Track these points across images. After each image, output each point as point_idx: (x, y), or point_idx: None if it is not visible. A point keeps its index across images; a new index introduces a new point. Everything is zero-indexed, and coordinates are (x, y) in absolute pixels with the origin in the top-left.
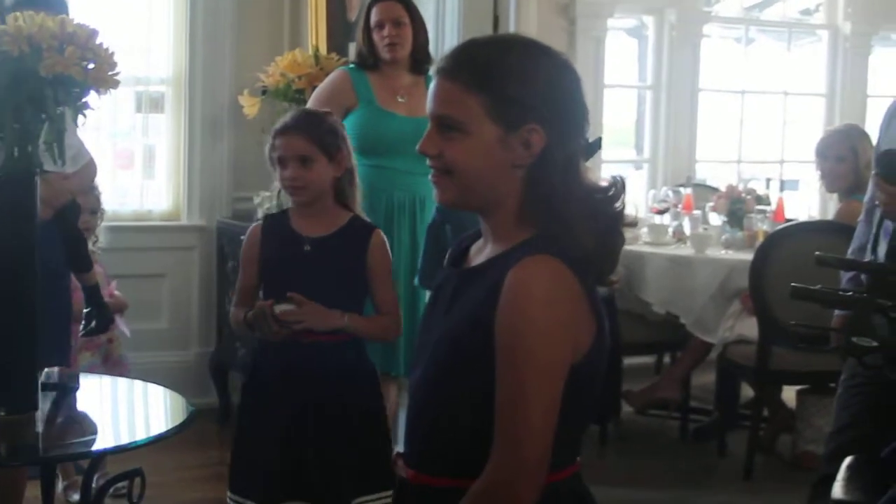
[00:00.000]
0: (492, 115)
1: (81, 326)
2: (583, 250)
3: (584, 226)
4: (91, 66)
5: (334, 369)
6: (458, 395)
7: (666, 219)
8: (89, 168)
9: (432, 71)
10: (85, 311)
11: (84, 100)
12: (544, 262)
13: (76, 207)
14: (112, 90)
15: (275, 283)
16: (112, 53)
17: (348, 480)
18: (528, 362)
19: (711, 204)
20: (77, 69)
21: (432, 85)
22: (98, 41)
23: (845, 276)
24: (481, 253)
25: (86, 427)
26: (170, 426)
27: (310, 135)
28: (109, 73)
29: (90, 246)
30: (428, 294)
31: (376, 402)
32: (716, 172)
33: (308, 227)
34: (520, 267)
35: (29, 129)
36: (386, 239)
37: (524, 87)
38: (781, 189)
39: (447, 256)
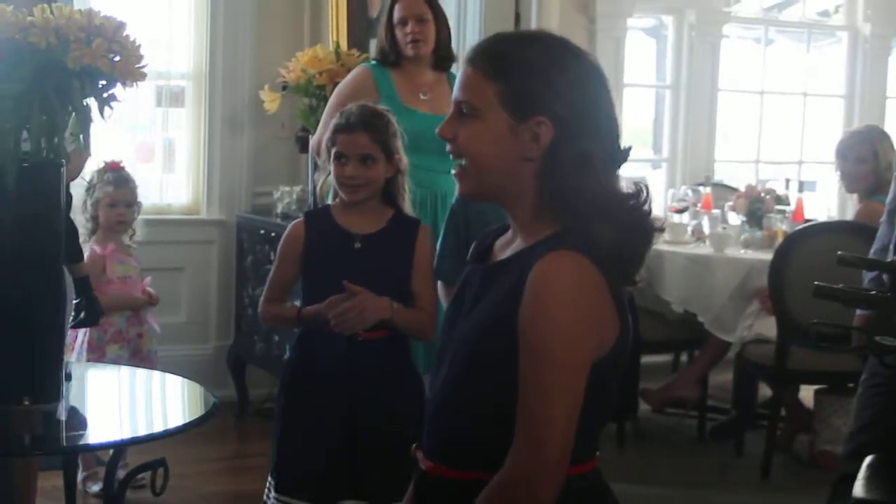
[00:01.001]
0: (503, 103)
1: (70, 318)
2: (604, 248)
3: (603, 224)
4: (117, 58)
5: (382, 367)
6: (482, 390)
7: (685, 218)
8: (81, 158)
9: (461, 60)
10: (74, 301)
11: (110, 92)
12: (569, 258)
13: (68, 197)
14: (138, 83)
15: (322, 280)
16: (139, 46)
17: (398, 478)
18: (551, 360)
19: (730, 203)
20: (104, 61)
21: (459, 72)
22: (125, 33)
23: (867, 277)
24: (507, 248)
25: (108, 417)
26: (191, 418)
27: (374, 134)
28: (136, 65)
29: (126, 240)
30: (441, 286)
31: (421, 400)
32: (734, 173)
33: (354, 224)
34: (544, 262)
35: (55, 120)
36: (432, 233)
37: (538, 81)
38: (800, 190)
39: (471, 252)
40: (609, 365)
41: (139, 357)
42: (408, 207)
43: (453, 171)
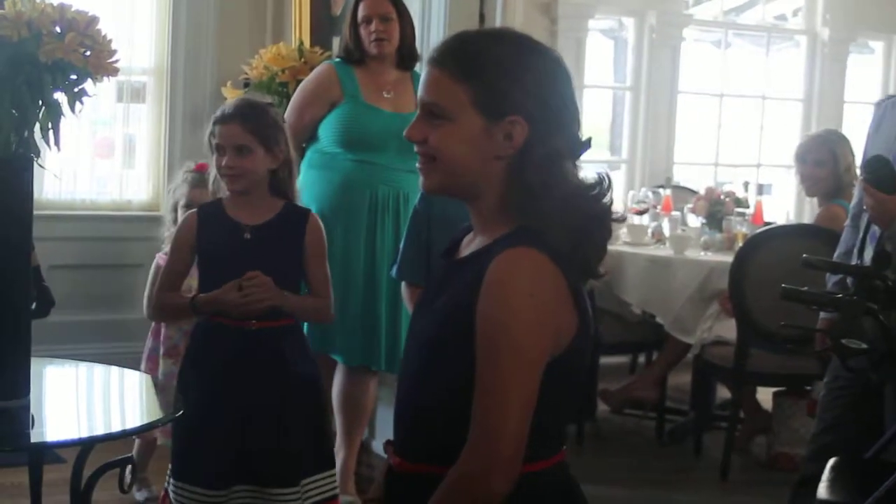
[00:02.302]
0: (476, 104)
1: None
2: (563, 243)
3: (565, 220)
4: (89, 53)
5: (278, 354)
6: (442, 384)
7: (645, 219)
8: None
9: (425, 59)
10: None
11: (81, 87)
12: (526, 254)
13: None
14: (111, 77)
15: (214, 270)
16: (110, 41)
17: (295, 462)
18: (506, 353)
19: (690, 206)
20: (76, 55)
21: (423, 72)
22: (97, 28)
23: (831, 280)
24: (470, 245)
25: (74, 414)
26: (158, 415)
27: (249, 125)
28: (108, 60)
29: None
30: (403, 286)
31: (317, 385)
32: (692, 175)
33: (244, 216)
34: (501, 258)
35: (26, 114)
36: (321, 222)
37: (509, 80)
38: (758, 193)
39: (443, 249)
40: (569, 359)
41: None
42: (297, 199)
43: (417, 165)
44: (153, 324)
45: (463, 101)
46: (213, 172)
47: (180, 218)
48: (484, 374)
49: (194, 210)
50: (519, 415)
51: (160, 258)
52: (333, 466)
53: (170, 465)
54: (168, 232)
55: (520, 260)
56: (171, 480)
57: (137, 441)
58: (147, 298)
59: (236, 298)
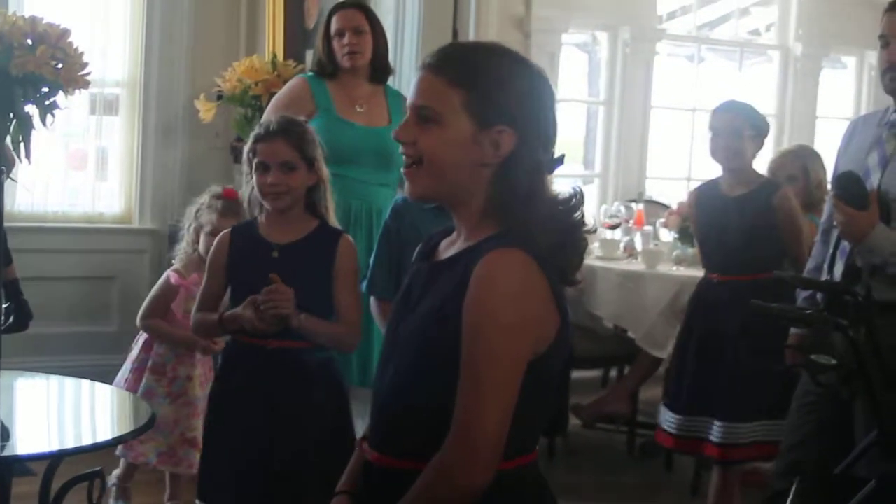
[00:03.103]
0: (468, 110)
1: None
2: (545, 247)
3: (547, 227)
4: (60, 65)
5: (300, 375)
6: (426, 382)
7: (617, 234)
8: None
9: (401, 73)
10: (4, 306)
11: (53, 99)
12: (513, 255)
13: None
14: (82, 90)
15: (243, 290)
16: (81, 53)
17: (317, 486)
18: (491, 355)
19: (662, 220)
20: (48, 68)
21: (415, 78)
22: (69, 40)
23: (801, 295)
24: (452, 247)
25: (43, 428)
26: (127, 429)
27: (294, 142)
28: (79, 73)
29: None
30: (373, 301)
31: (343, 408)
32: (665, 189)
33: (277, 235)
34: (487, 260)
35: None
36: (355, 245)
37: (502, 90)
38: None
39: (417, 252)
40: (548, 361)
41: (181, 401)
42: (332, 219)
43: (403, 170)
44: (146, 337)
45: (456, 105)
46: (247, 192)
47: (202, 243)
48: (467, 372)
49: (228, 231)
50: (500, 412)
51: (172, 275)
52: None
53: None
54: (183, 252)
55: (506, 260)
56: (197, 501)
57: (123, 461)
58: (143, 310)
59: (251, 313)
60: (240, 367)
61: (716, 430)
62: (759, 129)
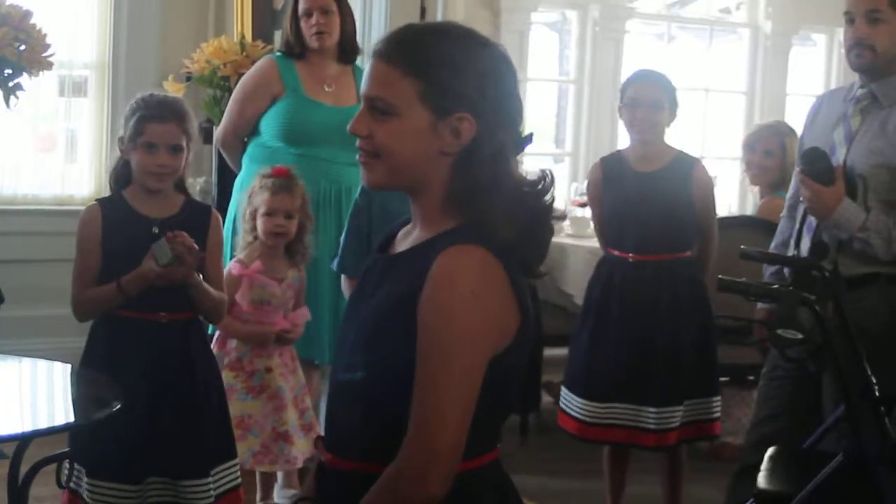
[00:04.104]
0: (424, 100)
1: None
2: (507, 240)
3: (509, 217)
4: (23, 47)
5: (184, 347)
6: (378, 381)
7: (587, 212)
8: None
9: (369, 53)
10: None
11: (16, 81)
12: (472, 252)
13: None
14: (44, 72)
15: (118, 265)
16: (45, 35)
17: (204, 454)
18: (448, 351)
19: None
20: (11, 50)
21: (368, 66)
22: (32, 22)
23: (768, 271)
24: (407, 238)
25: (13, 409)
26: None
27: (183, 125)
28: (42, 54)
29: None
30: (344, 279)
31: (219, 377)
32: None
33: (150, 209)
34: (446, 255)
35: None
36: (221, 218)
37: (457, 76)
38: None
39: (377, 243)
40: (509, 358)
41: (265, 395)
42: (191, 190)
43: (359, 159)
44: (217, 333)
45: (411, 96)
46: (112, 163)
47: (260, 226)
48: (424, 371)
49: (95, 203)
50: (458, 415)
51: (234, 266)
52: (236, 456)
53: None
54: (243, 240)
55: (464, 257)
56: (85, 480)
57: None
58: None
59: (155, 268)
60: (123, 341)
61: (651, 418)
62: (675, 101)
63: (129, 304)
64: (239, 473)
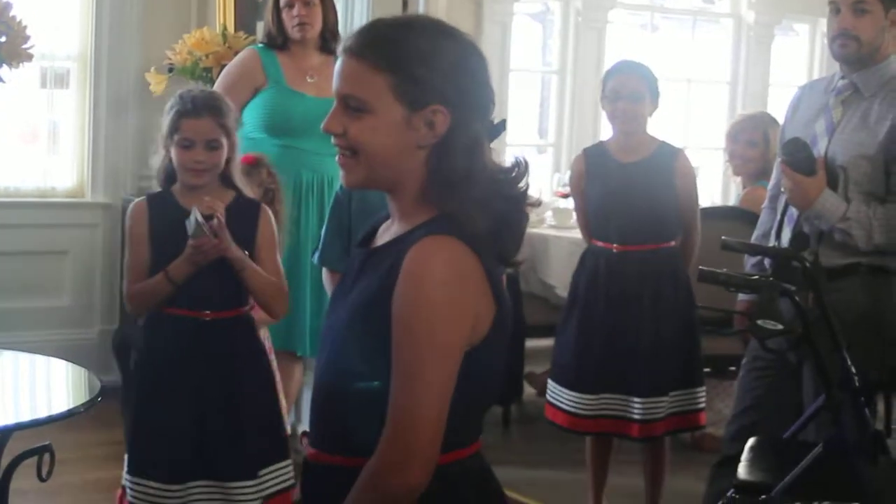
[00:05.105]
0: (396, 94)
1: None
2: (483, 231)
3: (485, 207)
4: (3, 39)
5: (230, 346)
6: (357, 375)
7: (570, 202)
8: None
9: (338, 50)
10: None
11: None
12: (443, 242)
13: None
14: (24, 64)
15: (164, 262)
16: (25, 27)
17: (251, 454)
18: (422, 343)
19: None
20: None
21: (338, 63)
22: (12, 14)
23: (749, 262)
24: (387, 233)
25: None
26: (77, 403)
27: (220, 119)
28: (22, 46)
29: None
30: (325, 272)
31: (269, 376)
32: None
33: (197, 205)
34: (418, 247)
35: None
36: (272, 214)
37: (429, 68)
38: None
39: (359, 237)
40: (486, 349)
41: None
42: (241, 185)
43: (338, 160)
44: None
45: (383, 91)
46: (157, 162)
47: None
48: (400, 364)
49: (142, 199)
50: (436, 406)
51: None
52: (289, 456)
53: (125, 462)
54: None
55: (437, 248)
56: (127, 477)
57: None
58: None
59: (190, 241)
60: (172, 339)
61: (636, 408)
62: (657, 91)
63: (174, 300)
64: (292, 473)
